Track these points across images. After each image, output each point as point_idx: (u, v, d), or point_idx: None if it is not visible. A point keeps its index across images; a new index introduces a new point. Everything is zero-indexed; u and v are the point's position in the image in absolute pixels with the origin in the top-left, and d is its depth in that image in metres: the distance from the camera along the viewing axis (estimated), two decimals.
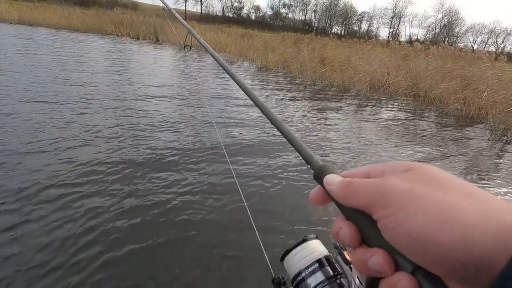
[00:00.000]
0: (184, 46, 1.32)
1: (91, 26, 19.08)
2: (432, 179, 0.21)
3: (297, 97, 6.91)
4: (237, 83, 0.57)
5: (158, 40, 18.61)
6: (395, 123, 5.68)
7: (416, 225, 0.19)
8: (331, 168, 0.28)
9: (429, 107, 7.48)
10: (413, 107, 7.40)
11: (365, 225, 0.23)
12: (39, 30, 15.69)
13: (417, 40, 58.39)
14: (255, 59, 12.83)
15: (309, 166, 0.31)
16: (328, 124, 4.99)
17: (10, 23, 16.93)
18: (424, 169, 0.22)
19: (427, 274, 0.19)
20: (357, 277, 0.44)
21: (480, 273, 0.16)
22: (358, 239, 0.23)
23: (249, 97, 0.51)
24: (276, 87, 7.80)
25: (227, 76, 0.62)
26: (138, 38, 18.42)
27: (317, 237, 0.49)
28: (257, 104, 0.47)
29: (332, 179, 0.26)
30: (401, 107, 7.28)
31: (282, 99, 6.45)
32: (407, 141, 4.63)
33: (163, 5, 1.72)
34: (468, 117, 6.69)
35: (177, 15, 1.37)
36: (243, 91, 0.54)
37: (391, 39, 54.47)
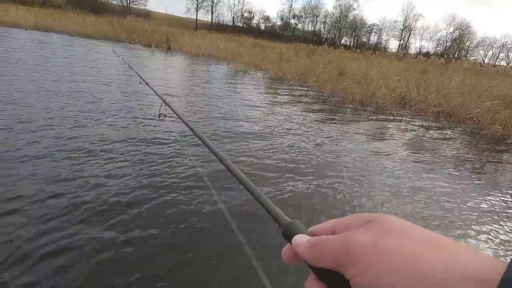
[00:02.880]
0: (159, 115, 1.35)
1: (104, 33, 19.21)
2: (393, 229, 0.21)
3: (317, 111, 6.54)
4: (206, 145, 0.60)
5: (170, 48, 18.59)
6: (427, 145, 5.24)
7: (386, 284, 0.19)
8: (298, 225, 0.28)
9: (458, 126, 7.00)
10: (444, 125, 6.94)
11: (337, 283, 0.22)
12: (54, 35, 15.79)
13: (427, 53, 58.08)
14: (269, 70, 12.56)
15: (277, 224, 0.31)
16: (352, 145, 4.59)
17: (26, 29, 17.11)
18: (385, 220, 0.22)
19: None
20: None
21: None
22: None
23: (216, 157, 0.51)
24: (295, 101, 7.45)
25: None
26: (150, 46, 18.43)
27: None
28: (223, 162, 0.47)
29: (300, 241, 0.25)
30: (431, 125, 6.83)
31: (304, 115, 6.08)
32: (446, 167, 4.20)
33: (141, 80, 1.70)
34: (505, 139, 6.20)
35: (151, 87, 1.40)
36: (213, 153, 0.55)
37: (400, 51, 54.23)
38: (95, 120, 3.88)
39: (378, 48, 54.59)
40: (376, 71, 10.09)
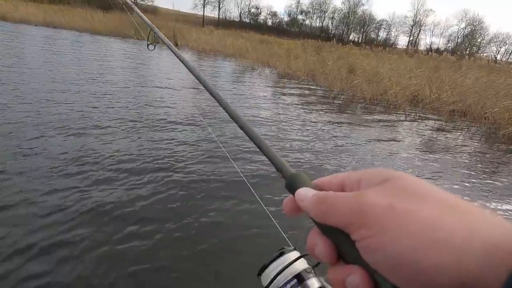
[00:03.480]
0: (148, 45, 1.26)
1: (112, 30, 19.26)
2: (412, 191, 0.19)
3: (326, 109, 6.41)
4: (203, 84, 0.56)
5: (177, 44, 18.54)
6: (440, 144, 5.08)
7: (400, 248, 0.17)
8: (304, 177, 0.26)
9: (474, 125, 6.78)
10: (459, 125, 6.74)
11: (342, 241, 0.21)
12: (62, 32, 15.89)
13: (437, 49, 56.87)
14: (277, 66, 12.42)
15: (280, 174, 0.29)
16: (365, 142, 4.47)
17: (35, 25, 17.25)
18: (403, 179, 0.20)
19: None
20: None
21: None
22: (335, 256, 0.22)
23: (217, 101, 0.49)
24: (303, 98, 7.33)
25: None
26: (158, 42, 18.38)
27: (295, 249, 0.47)
28: (224, 107, 0.46)
29: (304, 194, 0.24)
30: (445, 124, 6.64)
31: (313, 113, 5.96)
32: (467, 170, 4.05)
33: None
34: None
35: (137, 10, 1.25)
36: (209, 92, 0.52)
37: (410, 47, 53.21)
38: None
39: (387, 44, 53.65)
40: (387, 68, 9.86)
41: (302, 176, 0.27)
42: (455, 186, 3.37)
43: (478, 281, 0.15)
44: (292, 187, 0.26)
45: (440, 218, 0.17)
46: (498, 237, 0.16)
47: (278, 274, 0.43)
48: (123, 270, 1.63)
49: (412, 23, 63.10)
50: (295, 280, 0.42)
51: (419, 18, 62.42)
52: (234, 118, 0.43)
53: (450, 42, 62.69)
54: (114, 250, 1.74)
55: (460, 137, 5.74)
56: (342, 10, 65.01)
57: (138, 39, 18.71)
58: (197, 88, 6.96)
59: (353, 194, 0.21)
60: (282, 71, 11.83)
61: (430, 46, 63.03)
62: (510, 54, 58.19)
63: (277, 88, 8.32)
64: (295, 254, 0.46)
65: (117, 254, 1.72)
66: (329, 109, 6.45)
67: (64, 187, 2.25)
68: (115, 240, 1.82)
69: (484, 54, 53.57)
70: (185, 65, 0.66)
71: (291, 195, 0.26)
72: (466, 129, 6.43)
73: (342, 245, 0.21)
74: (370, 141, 4.61)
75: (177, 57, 0.73)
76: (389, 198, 0.19)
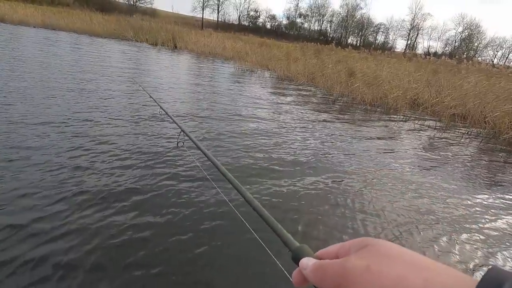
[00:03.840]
0: (178, 143, 1.43)
1: (111, 32, 19.23)
2: (384, 254, 0.24)
3: (326, 113, 6.38)
4: (221, 172, 0.62)
5: (176, 47, 18.53)
6: (440, 148, 5.06)
7: None
8: (307, 249, 0.31)
9: (474, 129, 6.77)
10: (459, 129, 6.73)
11: None
12: (61, 34, 15.83)
13: (435, 53, 57.20)
14: (277, 70, 12.40)
15: (288, 249, 0.33)
16: (371, 147, 4.43)
17: (34, 27, 17.19)
18: (378, 245, 0.25)
19: None
20: None
21: None
22: None
23: (233, 185, 0.53)
24: (303, 102, 7.29)
25: None
26: (157, 44, 18.39)
27: None
28: (238, 190, 0.50)
29: (306, 263, 0.29)
30: (446, 128, 6.62)
31: (313, 117, 5.92)
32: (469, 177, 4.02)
33: (160, 110, 1.68)
34: None
35: (173, 119, 1.39)
36: (227, 179, 0.57)
37: (408, 51, 53.48)
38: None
39: (385, 48, 53.95)
40: (386, 72, 9.87)
41: (305, 248, 0.31)
42: (453, 186, 3.34)
43: None
44: (297, 258, 0.30)
45: (404, 276, 0.22)
46: (448, 285, 0.20)
47: None
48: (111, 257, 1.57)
49: (410, 27, 63.52)
50: None
51: (417, 22, 62.85)
52: (248, 201, 0.46)
53: (447, 46, 63.09)
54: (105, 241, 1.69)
55: (460, 141, 5.72)
56: (340, 13, 65.39)
57: (137, 41, 18.72)
58: (198, 85, 6.93)
59: (341, 260, 0.26)
60: (281, 74, 11.82)
61: (428, 50, 63.36)
62: (506, 58, 58.63)
63: (277, 91, 8.29)
64: None
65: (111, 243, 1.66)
66: (329, 113, 6.42)
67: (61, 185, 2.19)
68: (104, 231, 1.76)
69: (481, 58, 53.95)
70: (213, 163, 0.71)
71: (297, 267, 0.30)
72: (466, 133, 6.41)
73: None
74: (370, 144, 4.57)
75: (204, 154, 0.82)
76: (367, 261, 0.24)
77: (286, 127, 4.85)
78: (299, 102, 7.17)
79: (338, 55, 13.91)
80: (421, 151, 4.75)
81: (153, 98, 1.91)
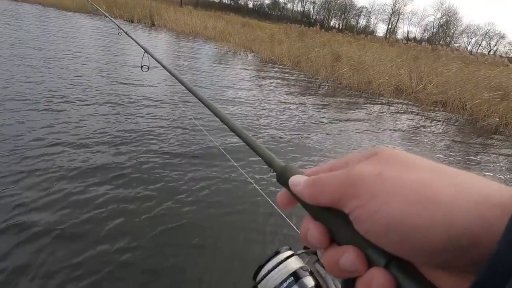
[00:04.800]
0: (142, 67, 1.32)
1: (81, 5, 17.75)
2: (400, 160, 0.19)
3: (310, 97, 6.30)
4: (196, 96, 0.57)
5: (153, 25, 17.49)
6: (420, 134, 5.17)
7: (390, 212, 0.17)
8: (295, 169, 0.27)
9: (453, 116, 6.97)
10: (440, 115, 6.90)
11: (334, 222, 0.21)
12: (24, 6, 14.39)
13: (414, 38, 58.29)
14: (261, 52, 12.06)
15: (271, 169, 0.30)
16: (355, 130, 4.43)
17: None
18: (390, 152, 0.20)
19: (401, 265, 0.18)
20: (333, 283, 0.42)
21: (462, 255, 0.16)
22: (327, 239, 0.22)
23: (209, 108, 0.50)
24: (287, 86, 7.16)
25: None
26: (133, 21, 17.27)
27: (290, 248, 0.47)
28: (215, 112, 0.47)
29: (298, 180, 0.24)
30: (426, 114, 6.77)
31: (295, 99, 5.82)
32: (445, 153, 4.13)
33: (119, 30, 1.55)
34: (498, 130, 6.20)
35: (131, 36, 1.30)
36: (201, 101, 0.54)
37: (388, 35, 54.07)
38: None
39: (367, 32, 54.15)
40: (370, 57, 9.86)
41: (292, 167, 0.27)
42: None
43: (471, 236, 0.15)
44: (283, 178, 0.26)
45: (428, 181, 0.17)
46: (485, 192, 0.16)
47: (274, 274, 0.43)
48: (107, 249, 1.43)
49: (391, 11, 64.00)
50: (292, 278, 0.42)
51: (398, 7, 63.39)
52: (224, 120, 0.43)
53: (426, 31, 64.47)
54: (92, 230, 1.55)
55: (439, 127, 5.88)
56: None
57: (111, 17, 17.42)
58: (178, 65, 6.54)
59: (343, 170, 0.21)
60: (265, 56, 11.51)
61: (407, 35, 64.49)
62: (479, 45, 60.96)
63: (260, 75, 8.06)
64: (290, 253, 0.46)
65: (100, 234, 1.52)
66: (313, 96, 6.34)
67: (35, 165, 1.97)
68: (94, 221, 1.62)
69: (456, 45, 55.74)
70: (179, 81, 0.68)
71: (284, 188, 0.26)
72: (446, 120, 6.60)
73: (334, 227, 0.21)
74: (353, 129, 4.58)
75: (173, 76, 0.74)
76: (378, 167, 0.19)
77: (267, 110, 4.80)
78: (283, 86, 7.02)
79: (323, 38, 13.71)
80: (400, 134, 4.84)
81: (115, 23, 1.75)
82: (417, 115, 6.59)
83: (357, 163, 0.21)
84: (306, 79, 8.60)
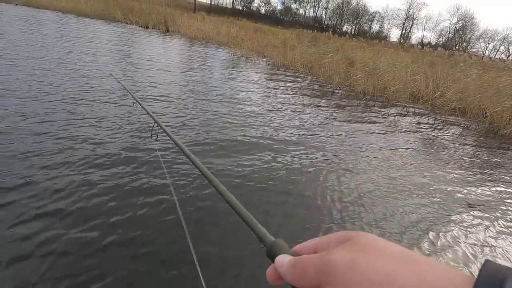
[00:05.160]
0: (151, 135, 1.37)
1: (99, 12, 18.30)
2: (371, 246, 0.21)
3: (324, 103, 6.21)
4: (195, 165, 0.59)
5: (167, 30, 17.82)
6: (438, 143, 4.99)
7: None
8: (282, 244, 0.28)
9: (473, 124, 6.72)
10: (458, 123, 6.68)
11: None
12: (46, 13, 14.95)
13: (429, 43, 57.22)
14: (273, 57, 12.07)
15: (262, 244, 0.31)
16: (368, 137, 4.31)
17: (16, 4, 16.18)
18: (363, 237, 0.22)
19: None
20: None
21: None
22: None
23: (206, 178, 0.52)
24: (300, 92, 7.09)
25: None
26: (147, 27, 17.65)
27: None
28: (212, 183, 0.48)
29: (282, 261, 0.26)
30: (445, 121, 6.56)
31: (310, 109, 5.75)
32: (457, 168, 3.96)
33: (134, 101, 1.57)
34: None
35: (145, 107, 1.38)
36: (201, 172, 0.56)
37: (402, 41, 53.28)
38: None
39: (380, 37, 53.57)
40: (385, 63, 9.69)
41: (281, 243, 0.28)
42: (449, 177, 3.27)
43: None
44: (272, 255, 0.28)
45: (394, 271, 0.19)
46: (443, 281, 0.18)
47: None
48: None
49: (405, 16, 63.13)
50: None
51: (412, 12, 62.48)
52: (221, 193, 0.44)
53: (441, 36, 63.18)
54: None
55: (457, 134, 5.68)
56: (336, 0, 64.25)
57: (127, 23, 17.88)
58: (191, 69, 6.63)
59: (321, 254, 0.23)
60: (278, 62, 11.50)
61: (422, 40, 63.37)
62: (497, 50, 59.22)
63: (272, 79, 8.04)
64: None
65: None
66: (327, 103, 6.26)
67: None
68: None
69: (473, 50, 54.35)
70: (186, 155, 0.69)
71: (272, 264, 0.27)
72: (465, 127, 6.38)
73: None
74: (367, 135, 4.46)
75: (177, 145, 0.78)
76: (350, 254, 0.21)
77: (279, 113, 4.79)
78: (295, 91, 6.96)
79: (336, 44, 13.61)
80: (416, 142, 4.69)
81: (128, 91, 1.74)
82: (434, 122, 6.39)
83: (334, 248, 0.23)
84: (319, 85, 8.51)
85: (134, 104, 1.68)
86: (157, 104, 4.26)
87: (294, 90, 7.11)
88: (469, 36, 59.45)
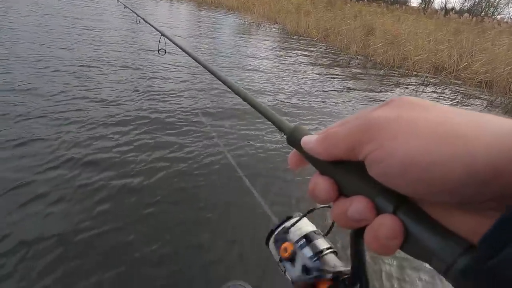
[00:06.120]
0: (159, 50, 1.35)
1: None
2: (417, 104, 0.19)
3: (339, 73, 5.87)
4: (207, 69, 0.60)
5: None
6: None
7: (409, 150, 0.17)
8: (305, 129, 0.27)
9: (499, 98, 6.30)
10: (484, 96, 6.28)
11: (342, 174, 0.22)
12: None
13: (453, 9, 53.08)
14: (286, 24, 11.40)
15: (282, 132, 0.31)
16: None
17: None
18: (406, 98, 0.20)
19: (409, 210, 0.18)
20: None
21: (484, 190, 0.15)
22: (335, 191, 0.22)
23: (216, 76, 0.53)
24: (314, 62, 6.72)
25: None
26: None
27: (302, 214, 0.48)
28: (222, 80, 0.49)
29: (309, 138, 0.24)
30: (470, 95, 6.17)
31: (322, 74, 5.44)
32: None
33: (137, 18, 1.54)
34: None
35: (148, 20, 1.37)
36: (208, 71, 0.56)
37: (424, 5, 49.53)
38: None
39: (401, 2, 49.85)
40: (406, 30, 9.01)
41: (302, 128, 0.27)
42: None
43: (493, 170, 0.14)
44: (294, 140, 0.26)
45: (448, 119, 0.17)
46: (508, 128, 0.15)
47: (285, 232, 0.44)
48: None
49: None
50: (304, 240, 0.43)
51: None
52: (233, 88, 0.44)
53: (466, 1, 58.43)
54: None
55: (481, 111, 5.34)
56: None
57: None
58: (199, 36, 6.30)
59: (358, 119, 0.20)
60: (291, 29, 10.87)
61: (445, 5, 58.89)
62: None
63: (285, 48, 7.61)
64: (302, 215, 0.46)
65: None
66: (342, 72, 5.92)
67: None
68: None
69: (500, 16, 50.33)
70: (196, 60, 0.66)
71: (294, 149, 0.27)
72: (490, 102, 6.00)
73: (343, 178, 0.21)
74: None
75: (191, 56, 0.75)
76: (395, 110, 0.19)
77: (290, 82, 4.64)
78: (309, 60, 6.60)
79: (354, 9, 12.70)
80: None
81: (132, 11, 1.68)
82: (457, 96, 6.02)
83: (372, 111, 0.20)
84: (335, 54, 8.05)
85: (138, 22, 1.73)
86: (165, 74, 4.07)
87: (307, 59, 6.74)
88: (497, 0, 54.81)
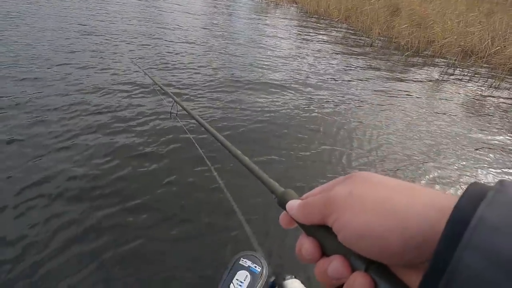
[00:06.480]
0: (171, 114, 1.55)
1: None
2: (369, 181, 0.23)
3: (360, 55, 5.60)
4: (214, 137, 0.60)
5: None
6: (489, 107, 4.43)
7: (358, 223, 0.21)
8: (292, 193, 0.31)
9: None
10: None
11: (323, 236, 0.25)
12: None
13: None
14: (306, 4, 10.93)
15: (273, 195, 0.33)
16: (407, 95, 3.89)
17: None
18: (361, 174, 0.25)
19: (378, 268, 0.21)
20: None
21: (420, 253, 0.18)
22: (318, 252, 0.25)
23: (216, 138, 0.55)
24: (333, 42, 6.44)
25: None
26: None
27: (295, 277, 0.50)
28: (221, 142, 0.52)
29: (292, 204, 0.29)
30: (500, 83, 5.79)
31: (342, 56, 5.21)
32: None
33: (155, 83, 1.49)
34: None
35: (166, 89, 1.31)
36: (217, 140, 0.57)
37: None
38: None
39: None
40: (433, 10, 8.43)
41: (290, 192, 0.31)
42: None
43: (425, 237, 0.18)
44: (283, 202, 0.30)
45: (388, 196, 0.21)
46: (432, 200, 0.19)
47: None
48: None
49: None
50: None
51: None
52: (231, 151, 0.47)
53: None
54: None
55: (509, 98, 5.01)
56: None
57: None
58: (215, 18, 6.12)
59: (324, 193, 0.25)
60: (311, 9, 10.43)
61: None
62: None
63: (304, 29, 7.32)
64: (295, 280, 0.49)
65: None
66: (363, 54, 5.66)
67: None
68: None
69: None
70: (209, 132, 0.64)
71: (284, 211, 0.30)
72: None
73: (323, 240, 0.25)
74: (406, 94, 4.04)
75: (196, 120, 0.74)
76: (349, 188, 0.23)
77: (308, 63, 4.54)
78: (328, 40, 6.34)
79: None
80: (461, 105, 4.21)
81: (149, 77, 1.65)
82: (485, 82, 5.65)
83: (335, 186, 0.25)
84: (356, 35, 7.68)
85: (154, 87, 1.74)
86: (180, 47, 4.04)
87: (327, 40, 6.47)
88: None
